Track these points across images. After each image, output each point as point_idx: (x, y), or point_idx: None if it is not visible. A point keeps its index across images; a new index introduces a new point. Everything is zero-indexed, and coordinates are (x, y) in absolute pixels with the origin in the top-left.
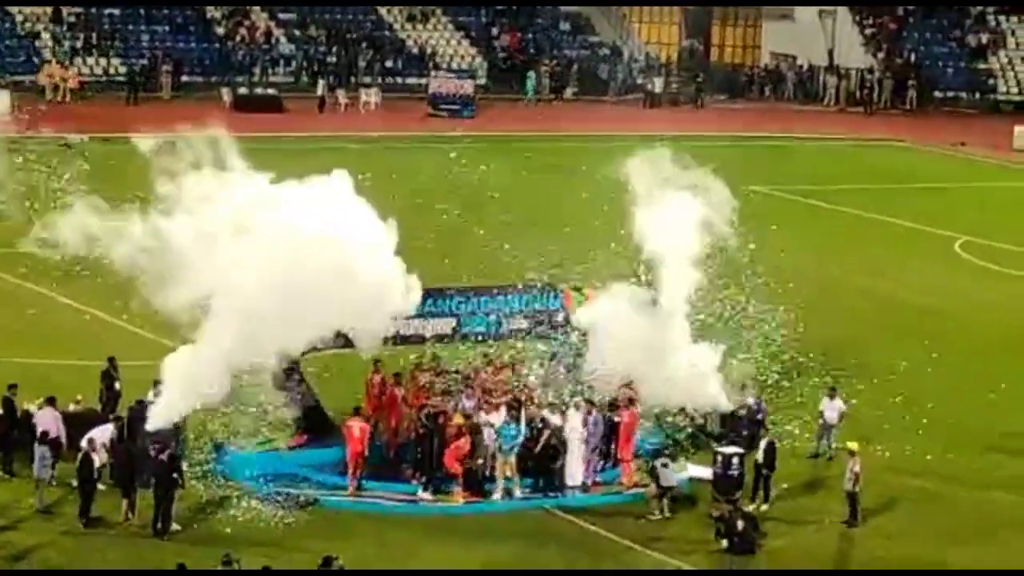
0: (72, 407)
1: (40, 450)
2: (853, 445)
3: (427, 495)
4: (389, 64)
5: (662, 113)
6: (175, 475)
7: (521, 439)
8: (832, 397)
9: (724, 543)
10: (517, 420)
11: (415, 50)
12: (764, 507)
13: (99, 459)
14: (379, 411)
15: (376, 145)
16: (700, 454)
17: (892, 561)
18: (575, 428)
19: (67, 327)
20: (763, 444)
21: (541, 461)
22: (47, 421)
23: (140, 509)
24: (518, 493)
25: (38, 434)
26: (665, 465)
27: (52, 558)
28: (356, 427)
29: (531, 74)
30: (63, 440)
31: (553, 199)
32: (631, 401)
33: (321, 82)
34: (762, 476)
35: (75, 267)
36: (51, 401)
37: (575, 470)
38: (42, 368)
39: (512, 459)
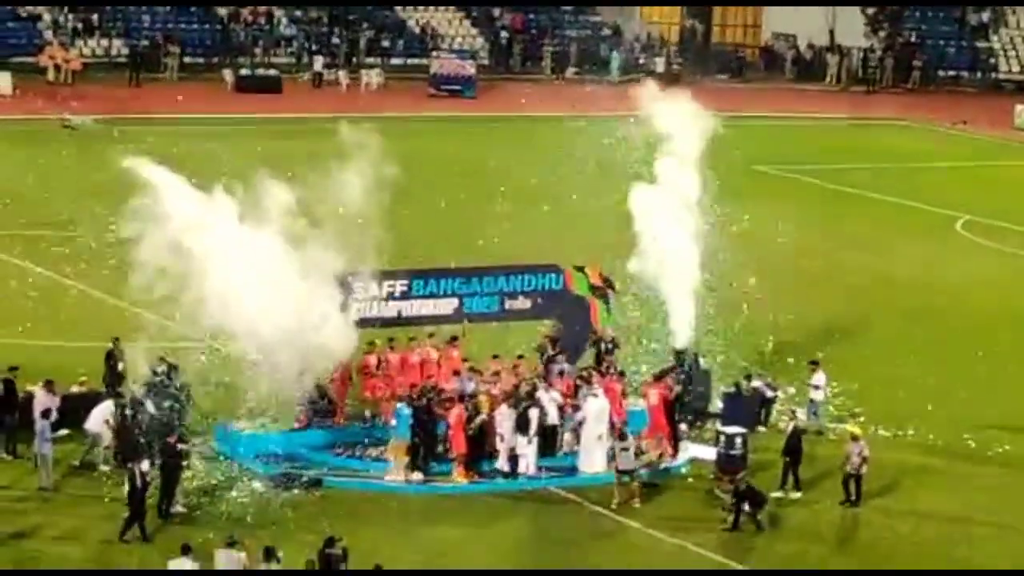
0: (75, 388)
1: (41, 424)
2: (856, 430)
3: (417, 476)
4: (390, 45)
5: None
6: (180, 456)
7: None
8: (815, 370)
9: (730, 519)
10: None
11: (417, 30)
12: (796, 495)
13: (104, 438)
14: (376, 392)
15: (376, 125)
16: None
17: (896, 540)
18: (593, 415)
19: (70, 308)
20: (788, 430)
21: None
22: (45, 402)
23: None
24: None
25: (38, 413)
26: (624, 449)
27: (55, 537)
28: (453, 414)
29: (615, 54)
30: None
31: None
32: (621, 374)
33: (318, 59)
34: (789, 463)
35: (79, 249)
36: (48, 385)
37: (595, 458)
38: (45, 349)
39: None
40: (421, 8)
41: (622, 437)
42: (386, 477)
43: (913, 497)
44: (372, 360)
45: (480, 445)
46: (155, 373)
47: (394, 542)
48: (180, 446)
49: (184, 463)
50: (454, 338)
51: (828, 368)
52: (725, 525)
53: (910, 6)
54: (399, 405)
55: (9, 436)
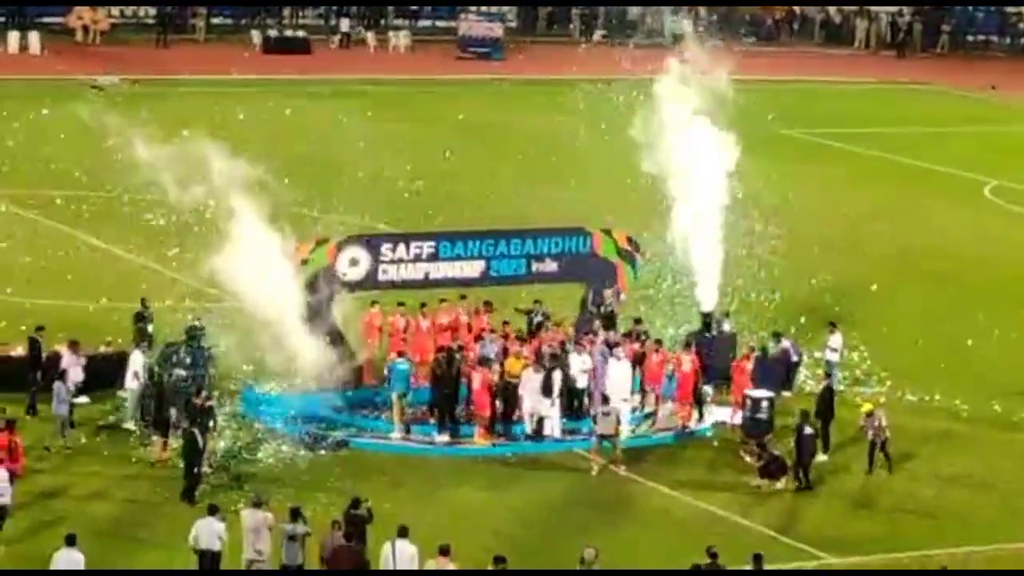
0: (103, 348)
1: (57, 386)
2: (868, 405)
3: (444, 438)
4: (418, 7)
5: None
6: (208, 416)
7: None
8: (832, 332)
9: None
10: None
11: None
12: (823, 457)
13: (135, 386)
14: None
15: (404, 88)
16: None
17: (922, 501)
18: (620, 378)
19: (98, 269)
20: (820, 390)
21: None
22: (70, 363)
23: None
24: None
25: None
26: (606, 413)
27: (81, 496)
28: (477, 378)
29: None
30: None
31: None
32: (659, 342)
33: (344, 20)
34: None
35: (108, 210)
36: (72, 345)
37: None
38: (71, 309)
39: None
40: None
41: (604, 401)
42: (392, 436)
43: (937, 462)
44: (400, 322)
45: (506, 408)
46: (189, 334)
47: (418, 504)
48: (208, 403)
49: (211, 423)
50: (488, 303)
51: (855, 333)
52: (751, 486)
53: None
54: (397, 360)
55: (32, 395)
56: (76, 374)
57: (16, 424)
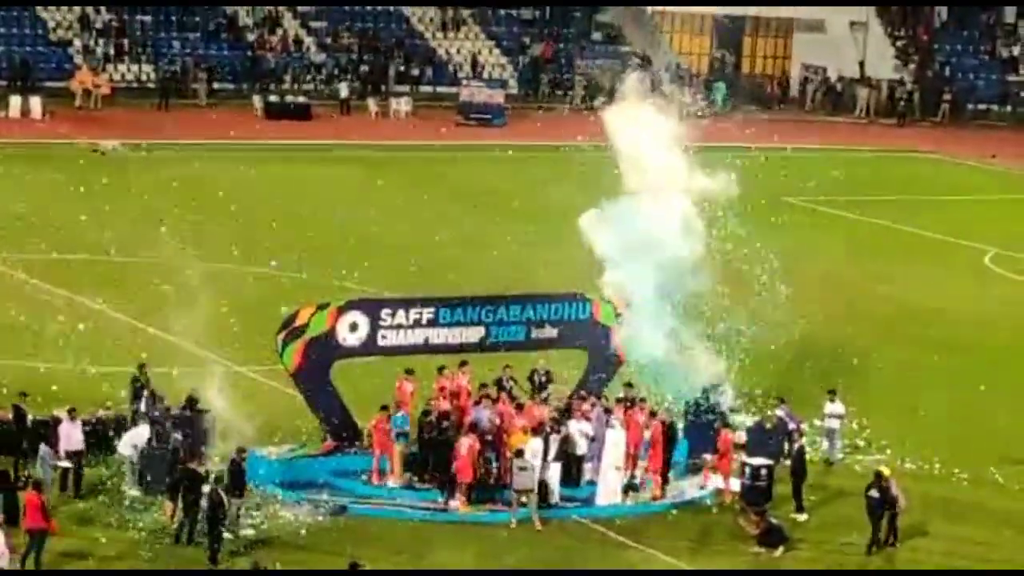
0: (102, 413)
1: (43, 450)
2: (885, 469)
3: (455, 502)
4: (419, 73)
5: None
6: (200, 481)
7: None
8: (832, 399)
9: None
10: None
11: (446, 59)
12: (802, 517)
13: (132, 459)
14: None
15: (405, 154)
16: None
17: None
18: (614, 446)
19: (96, 332)
20: (794, 450)
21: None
22: (67, 429)
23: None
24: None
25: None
26: (523, 468)
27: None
28: (465, 444)
29: (720, 85)
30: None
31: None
32: (653, 413)
33: (343, 85)
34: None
35: (107, 273)
36: (71, 411)
37: (612, 490)
38: (69, 374)
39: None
40: (451, 36)
41: (518, 455)
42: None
43: (937, 531)
44: (409, 388)
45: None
46: (188, 399)
47: (415, 568)
48: (201, 470)
49: (204, 487)
50: (464, 362)
51: (854, 400)
52: (748, 555)
53: (939, 39)
54: (401, 413)
55: (15, 464)
56: (74, 441)
57: (42, 485)
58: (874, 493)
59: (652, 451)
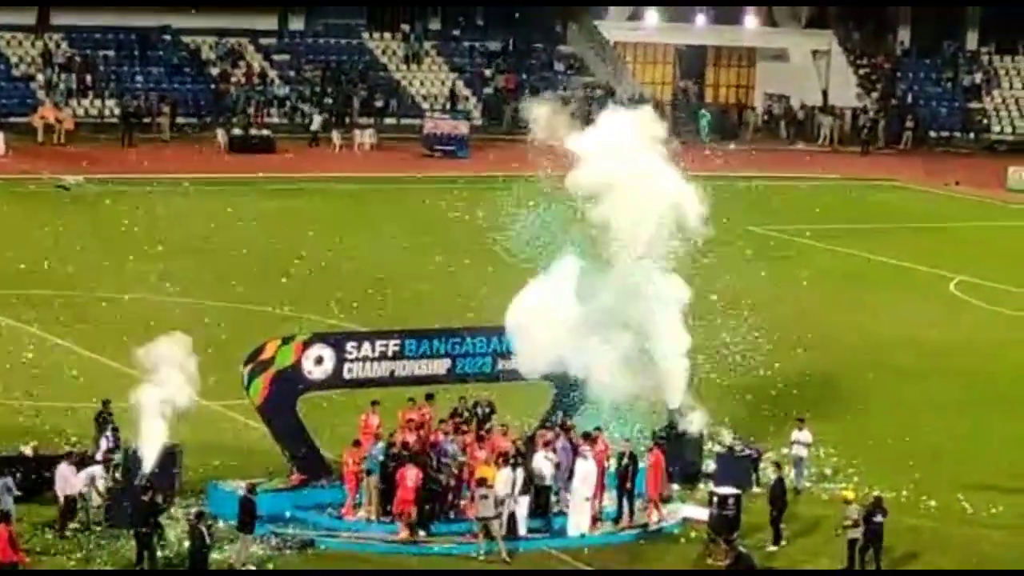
0: (66, 449)
1: (2, 481)
2: (849, 493)
3: (421, 533)
4: (383, 105)
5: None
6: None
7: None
8: (800, 428)
9: None
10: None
11: (410, 91)
12: (773, 548)
13: (95, 499)
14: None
15: (369, 186)
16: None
17: None
18: (585, 477)
19: (62, 369)
20: (772, 482)
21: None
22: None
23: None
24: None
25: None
26: (484, 496)
27: None
28: (410, 475)
29: (704, 113)
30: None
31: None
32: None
33: (317, 117)
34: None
35: (71, 308)
36: (68, 456)
37: (579, 521)
38: (34, 410)
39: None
40: (415, 68)
41: (480, 484)
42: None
43: (906, 559)
44: (374, 421)
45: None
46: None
47: None
48: (156, 502)
49: (158, 521)
50: (429, 395)
51: (820, 428)
52: None
53: (902, 67)
54: (378, 444)
55: None
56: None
57: (11, 517)
58: (879, 518)
59: (651, 476)
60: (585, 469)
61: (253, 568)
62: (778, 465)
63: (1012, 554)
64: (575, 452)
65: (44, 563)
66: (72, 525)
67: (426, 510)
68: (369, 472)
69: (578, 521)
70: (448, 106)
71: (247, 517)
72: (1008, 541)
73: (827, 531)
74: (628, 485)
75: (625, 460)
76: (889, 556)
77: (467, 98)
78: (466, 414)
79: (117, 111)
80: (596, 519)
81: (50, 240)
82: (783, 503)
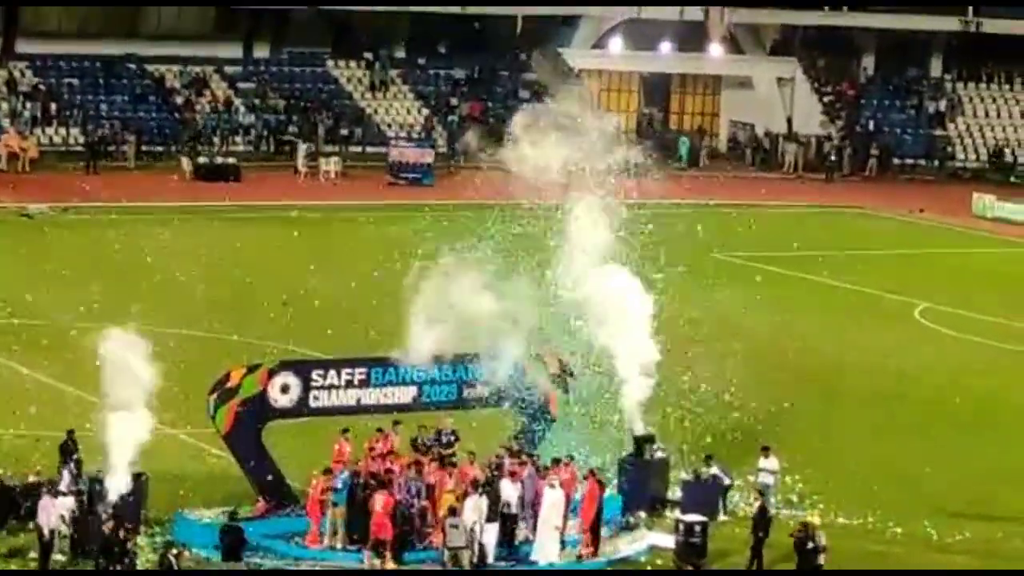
0: (32, 478)
1: None
2: (815, 519)
3: (377, 561)
4: (349, 133)
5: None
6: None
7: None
8: (766, 456)
9: None
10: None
11: (375, 119)
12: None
13: (62, 529)
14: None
15: (336, 214)
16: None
17: None
18: (553, 504)
19: (25, 397)
20: (755, 510)
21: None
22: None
23: None
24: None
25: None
26: (454, 525)
27: None
28: (379, 501)
29: (684, 139)
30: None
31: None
32: (570, 457)
33: (302, 147)
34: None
35: (36, 337)
36: (49, 487)
37: (548, 549)
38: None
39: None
40: (379, 96)
41: (451, 513)
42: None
43: None
44: (347, 448)
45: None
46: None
47: None
48: (118, 533)
49: (126, 550)
50: (396, 422)
51: (785, 455)
52: None
53: (866, 95)
54: (342, 472)
55: None
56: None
57: None
58: (811, 545)
59: (584, 508)
60: (553, 497)
61: None
62: (761, 492)
63: None
64: (542, 480)
65: None
66: (56, 557)
67: (397, 536)
68: (335, 504)
69: (547, 550)
70: (412, 134)
71: (234, 544)
72: (974, 565)
73: (787, 555)
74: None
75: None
76: None
77: (433, 127)
78: (423, 446)
79: (82, 139)
80: (563, 545)
81: (12, 268)
82: (766, 530)
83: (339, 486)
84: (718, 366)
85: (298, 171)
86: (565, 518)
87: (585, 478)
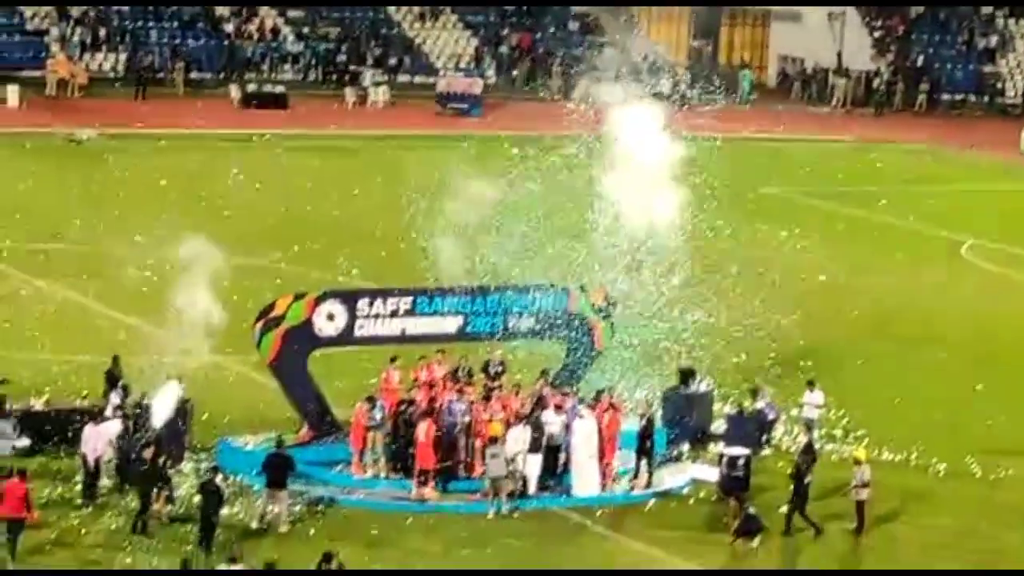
0: (78, 403)
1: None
2: (860, 454)
3: (426, 491)
4: (397, 62)
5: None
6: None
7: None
8: (812, 389)
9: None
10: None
11: (424, 48)
12: (784, 509)
13: (108, 453)
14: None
15: (382, 143)
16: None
17: (903, 562)
18: (586, 437)
19: (74, 323)
20: (802, 446)
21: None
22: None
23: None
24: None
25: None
26: (494, 455)
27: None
28: (422, 430)
29: (746, 72)
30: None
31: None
32: (612, 405)
33: (367, 74)
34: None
35: (84, 262)
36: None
37: (587, 480)
38: (49, 363)
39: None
40: (428, 26)
41: (492, 442)
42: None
43: (916, 521)
44: (395, 376)
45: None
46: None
47: (391, 559)
48: (157, 461)
49: (165, 478)
50: (441, 350)
51: (830, 391)
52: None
53: (916, 30)
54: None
55: None
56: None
57: (27, 474)
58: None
59: (608, 443)
60: (585, 429)
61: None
62: (808, 426)
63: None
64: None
65: (51, 521)
66: (103, 482)
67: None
68: (376, 428)
69: (584, 480)
70: (462, 64)
71: (279, 473)
72: (1017, 501)
73: (836, 493)
74: (647, 445)
75: (643, 420)
76: (896, 516)
77: (481, 56)
78: (466, 375)
79: (131, 66)
80: (607, 477)
81: (62, 194)
82: (809, 465)
83: (377, 416)
84: (762, 301)
85: (346, 100)
86: (602, 449)
87: (605, 409)
